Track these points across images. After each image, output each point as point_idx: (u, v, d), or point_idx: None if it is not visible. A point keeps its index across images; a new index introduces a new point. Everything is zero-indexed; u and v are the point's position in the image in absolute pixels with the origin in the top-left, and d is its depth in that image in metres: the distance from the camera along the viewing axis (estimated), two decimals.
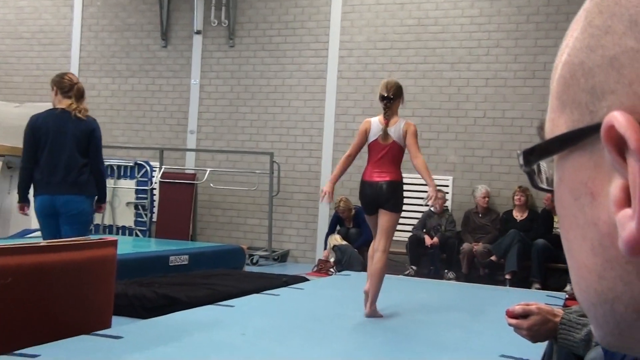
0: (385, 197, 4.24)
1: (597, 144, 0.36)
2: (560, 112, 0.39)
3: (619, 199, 0.34)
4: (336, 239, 7.90)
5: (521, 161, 0.40)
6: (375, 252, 4.25)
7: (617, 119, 0.34)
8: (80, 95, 4.63)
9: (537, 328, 1.75)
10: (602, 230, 0.36)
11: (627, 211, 0.34)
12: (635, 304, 0.35)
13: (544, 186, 0.42)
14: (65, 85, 4.61)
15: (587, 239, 0.37)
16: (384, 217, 4.26)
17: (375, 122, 4.35)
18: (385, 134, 4.30)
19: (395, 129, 4.31)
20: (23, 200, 4.65)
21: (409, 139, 4.32)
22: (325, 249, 8.02)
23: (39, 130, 4.52)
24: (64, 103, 4.58)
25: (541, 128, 0.42)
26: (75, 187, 4.49)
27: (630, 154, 0.33)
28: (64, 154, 4.48)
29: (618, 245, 0.34)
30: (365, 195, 4.33)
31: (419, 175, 4.36)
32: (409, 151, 4.33)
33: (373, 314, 4.20)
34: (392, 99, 4.29)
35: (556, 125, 0.39)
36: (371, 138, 4.34)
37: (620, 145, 0.34)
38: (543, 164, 0.41)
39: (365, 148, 4.40)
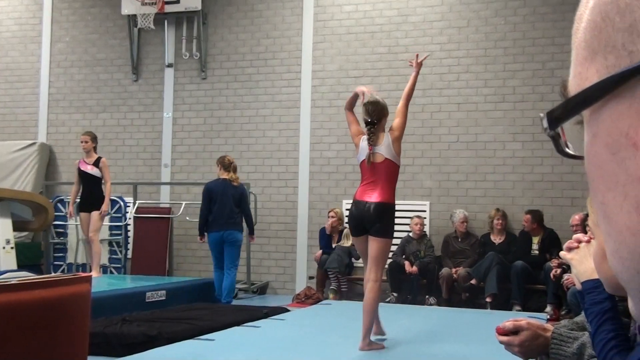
0: (372, 219, 3.99)
1: (638, 88, 0.32)
2: (590, 62, 0.35)
3: None
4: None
5: (545, 124, 0.37)
6: (367, 281, 4.03)
7: None
8: (234, 170, 7.16)
9: (528, 344, 1.72)
10: None
11: None
12: None
13: (570, 151, 0.38)
14: (225, 164, 7.14)
15: (631, 197, 0.33)
16: (372, 245, 4.01)
17: (365, 143, 4.15)
18: (373, 157, 4.10)
19: (384, 145, 4.12)
20: (202, 234, 7.21)
21: (397, 131, 4.20)
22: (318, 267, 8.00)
23: (212, 192, 7.07)
24: (225, 175, 7.10)
25: (564, 88, 0.38)
26: (233, 225, 7.08)
27: None
28: (227, 206, 7.01)
29: None
30: (352, 215, 4.12)
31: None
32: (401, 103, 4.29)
33: (368, 347, 3.94)
34: (376, 123, 4.13)
35: (585, 78, 0.35)
36: (360, 157, 4.18)
37: None
38: (566, 127, 0.37)
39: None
